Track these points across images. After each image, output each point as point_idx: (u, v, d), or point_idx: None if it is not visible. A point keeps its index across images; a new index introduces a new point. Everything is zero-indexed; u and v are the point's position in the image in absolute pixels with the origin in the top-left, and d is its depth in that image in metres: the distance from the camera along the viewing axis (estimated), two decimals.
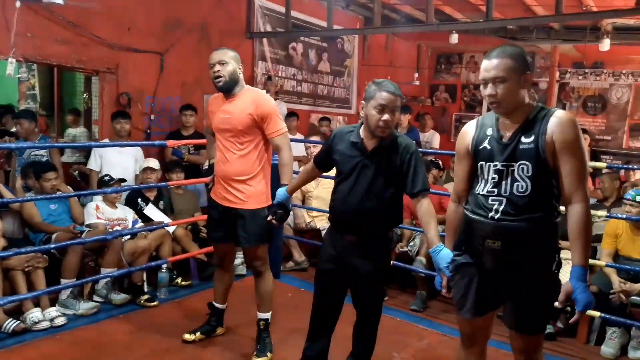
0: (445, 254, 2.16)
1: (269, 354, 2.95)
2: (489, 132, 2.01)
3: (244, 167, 2.86)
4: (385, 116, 2.24)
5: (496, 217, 1.92)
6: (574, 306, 1.84)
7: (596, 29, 6.48)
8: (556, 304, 1.91)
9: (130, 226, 4.03)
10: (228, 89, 2.85)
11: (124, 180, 4.13)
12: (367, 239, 2.39)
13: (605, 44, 6.27)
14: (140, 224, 4.12)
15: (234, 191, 2.88)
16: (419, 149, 2.54)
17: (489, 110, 2.09)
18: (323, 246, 2.60)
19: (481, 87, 1.97)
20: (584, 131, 6.11)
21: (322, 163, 2.59)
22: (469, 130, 2.09)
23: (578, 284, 1.81)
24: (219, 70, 2.79)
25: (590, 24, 6.43)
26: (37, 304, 3.26)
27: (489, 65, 1.90)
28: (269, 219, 2.75)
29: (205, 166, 3.81)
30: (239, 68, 2.86)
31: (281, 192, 2.73)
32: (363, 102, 2.34)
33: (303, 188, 4.78)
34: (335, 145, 2.45)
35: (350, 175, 2.37)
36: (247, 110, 2.81)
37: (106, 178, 4.05)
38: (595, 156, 6.03)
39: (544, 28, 7.07)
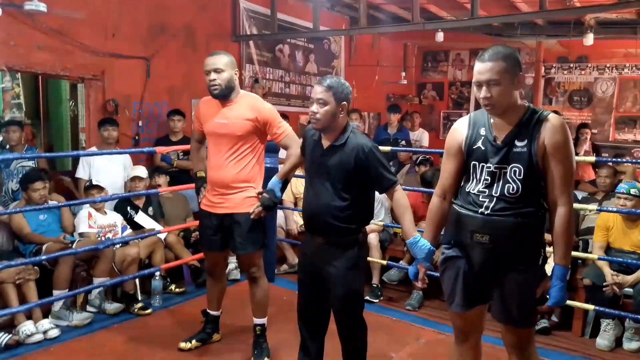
0: (423, 245, 2.17)
1: (266, 358, 2.94)
2: (483, 132, 2.02)
3: (241, 173, 2.83)
4: (312, 107, 2.29)
5: (486, 212, 1.97)
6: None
7: (580, 24, 6.54)
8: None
9: (120, 232, 3.99)
10: (224, 96, 2.81)
11: (102, 189, 4.01)
12: (333, 239, 2.35)
13: (589, 39, 6.32)
14: (129, 231, 4.08)
15: (229, 197, 2.85)
16: (411, 148, 2.54)
17: (476, 107, 2.10)
18: (301, 248, 2.62)
19: (474, 88, 1.97)
20: (585, 125, 6.16)
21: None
22: (461, 128, 2.09)
23: (557, 282, 1.94)
24: (214, 79, 2.75)
25: (574, 19, 6.48)
26: (29, 316, 3.22)
27: (483, 68, 1.89)
28: (253, 209, 2.75)
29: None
30: (235, 74, 2.81)
31: (273, 179, 2.76)
32: None
33: (294, 190, 4.79)
34: (306, 139, 2.50)
35: (312, 174, 2.41)
36: (247, 116, 2.79)
37: (87, 184, 4.01)
38: (596, 150, 6.07)
39: (529, 24, 7.11)
